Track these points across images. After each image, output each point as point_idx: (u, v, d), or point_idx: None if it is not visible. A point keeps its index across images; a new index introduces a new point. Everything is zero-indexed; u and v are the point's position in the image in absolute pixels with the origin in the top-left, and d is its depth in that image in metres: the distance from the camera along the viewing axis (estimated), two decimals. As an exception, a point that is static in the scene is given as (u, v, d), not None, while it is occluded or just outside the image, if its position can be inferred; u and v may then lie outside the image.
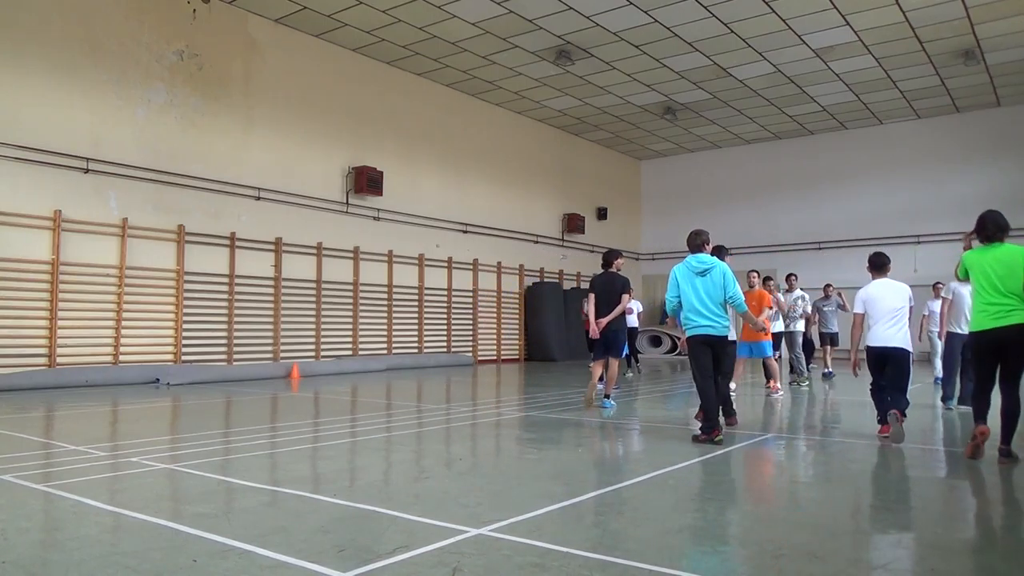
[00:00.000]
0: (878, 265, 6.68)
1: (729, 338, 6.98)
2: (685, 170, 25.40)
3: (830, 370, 13.71)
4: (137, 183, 12.54)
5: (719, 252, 7.80)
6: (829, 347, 13.97)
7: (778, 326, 11.25)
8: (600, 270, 9.03)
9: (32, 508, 4.02)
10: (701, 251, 6.69)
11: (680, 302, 6.60)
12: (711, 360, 6.51)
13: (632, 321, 13.84)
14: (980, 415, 5.48)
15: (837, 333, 13.84)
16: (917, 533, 3.68)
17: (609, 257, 8.84)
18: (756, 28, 14.85)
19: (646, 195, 26.48)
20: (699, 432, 6.31)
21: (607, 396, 8.80)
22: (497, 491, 4.44)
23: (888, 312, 6.39)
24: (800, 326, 12.28)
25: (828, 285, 14.16)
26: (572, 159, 23.01)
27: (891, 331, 6.36)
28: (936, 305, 10.95)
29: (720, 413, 6.56)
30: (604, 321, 8.42)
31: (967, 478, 5.14)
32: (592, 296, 8.64)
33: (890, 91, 18.76)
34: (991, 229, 5.54)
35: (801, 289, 12.75)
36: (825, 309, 13.86)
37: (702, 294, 6.48)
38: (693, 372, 6.63)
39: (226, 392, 10.61)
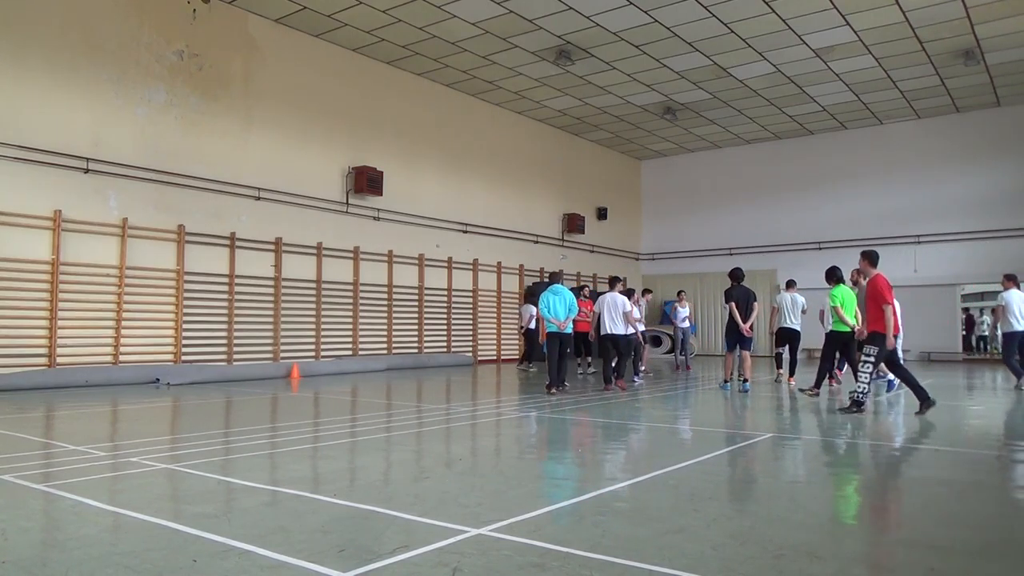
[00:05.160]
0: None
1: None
2: (685, 170, 25.40)
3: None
4: (137, 183, 12.54)
5: (735, 276, 11.51)
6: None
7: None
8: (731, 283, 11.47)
9: (32, 508, 4.02)
10: (559, 283, 11.02)
11: (547, 311, 10.78)
12: (557, 346, 10.68)
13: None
14: (821, 381, 10.13)
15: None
16: (917, 533, 3.68)
17: (739, 273, 11.51)
18: (756, 28, 14.86)
19: (646, 195, 26.48)
20: (547, 388, 10.64)
21: (745, 381, 11.26)
22: (497, 491, 4.44)
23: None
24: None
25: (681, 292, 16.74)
26: (572, 159, 23.01)
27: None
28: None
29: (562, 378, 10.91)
30: (749, 323, 11.17)
31: (967, 478, 5.14)
32: (732, 304, 11.22)
33: (890, 91, 18.76)
34: (840, 275, 10.01)
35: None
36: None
37: (556, 308, 10.68)
38: (547, 351, 10.87)
39: (226, 392, 10.61)
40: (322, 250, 15.38)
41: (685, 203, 25.31)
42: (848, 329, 9.92)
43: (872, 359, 8.16)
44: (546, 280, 21.22)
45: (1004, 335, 11.53)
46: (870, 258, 8.75)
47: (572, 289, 13.86)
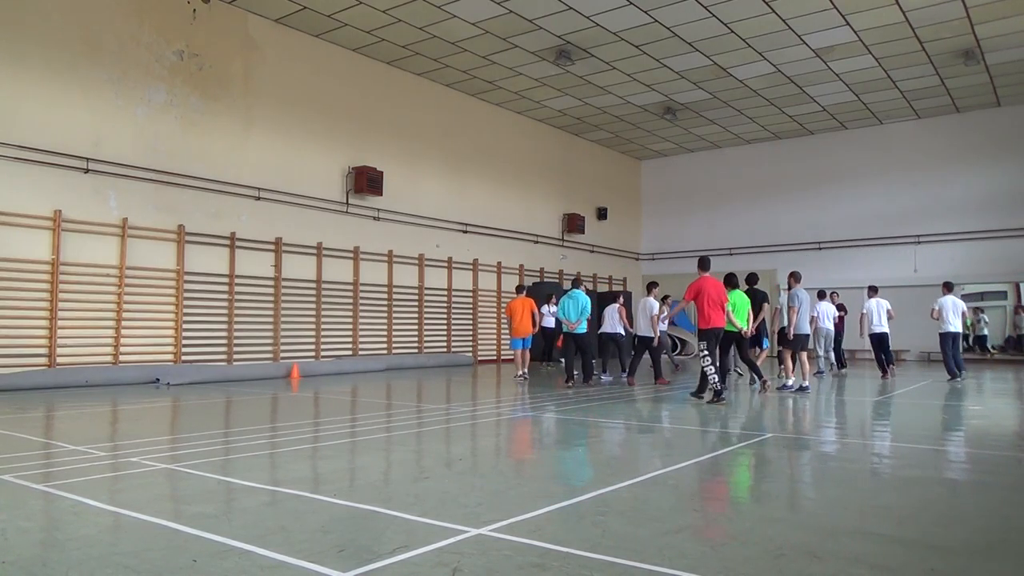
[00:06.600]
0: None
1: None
2: (685, 170, 25.39)
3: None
4: (137, 183, 12.54)
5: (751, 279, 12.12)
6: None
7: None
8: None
9: (32, 508, 4.02)
10: (576, 288, 12.46)
11: (561, 313, 12.31)
12: (571, 344, 12.18)
13: (549, 322, 15.84)
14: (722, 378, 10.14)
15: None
16: (917, 533, 3.68)
17: (752, 278, 12.25)
18: (756, 28, 14.85)
19: (646, 195, 26.47)
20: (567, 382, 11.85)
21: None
22: (497, 491, 4.44)
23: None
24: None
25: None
26: (572, 159, 23.01)
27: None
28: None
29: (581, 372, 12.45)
30: (755, 325, 11.51)
31: (967, 478, 5.14)
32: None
33: (890, 91, 18.75)
34: (735, 281, 10.56)
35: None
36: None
37: (569, 311, 12.17)
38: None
39: (226, 392, 10.61)
40: (322, 250, 15.38)
41: (685, 203, 25.29)
42: (736, 329, 10.54)
43: (706, 352, 9.34)
44: (539, 281, 21.31)
45: (940, 335, 13.14)
46: (700, 263, 9.78)
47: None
